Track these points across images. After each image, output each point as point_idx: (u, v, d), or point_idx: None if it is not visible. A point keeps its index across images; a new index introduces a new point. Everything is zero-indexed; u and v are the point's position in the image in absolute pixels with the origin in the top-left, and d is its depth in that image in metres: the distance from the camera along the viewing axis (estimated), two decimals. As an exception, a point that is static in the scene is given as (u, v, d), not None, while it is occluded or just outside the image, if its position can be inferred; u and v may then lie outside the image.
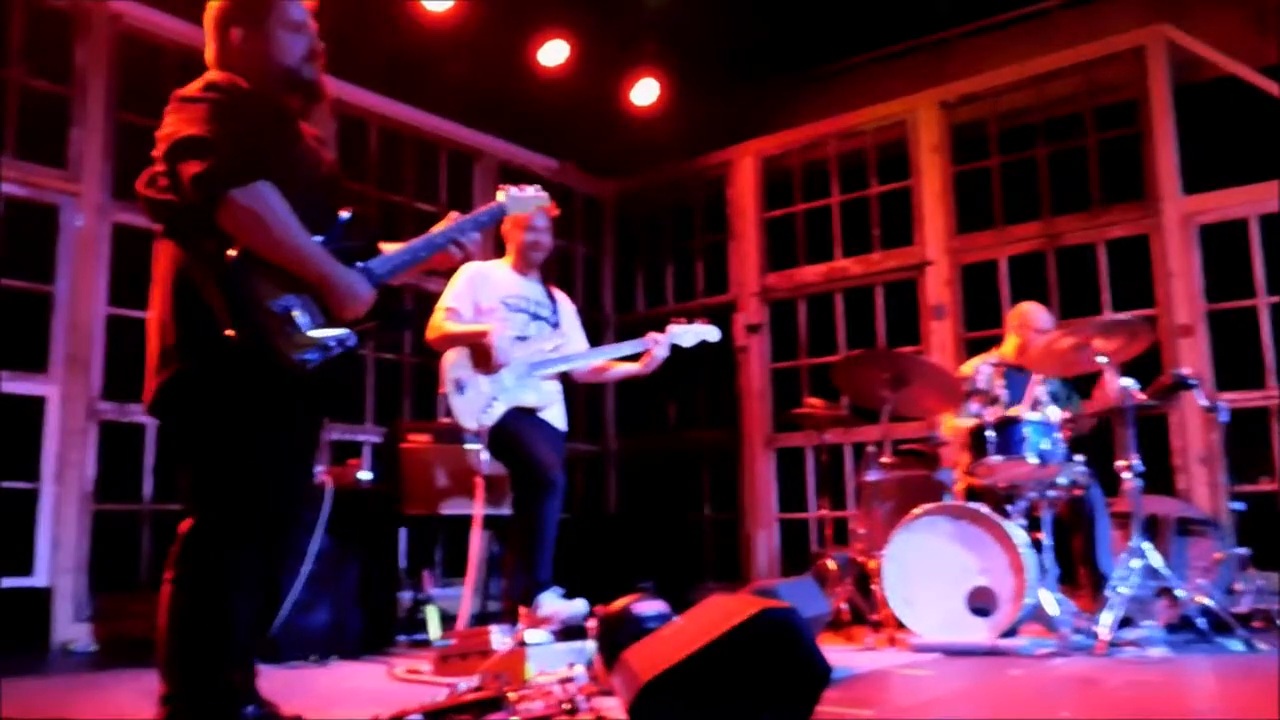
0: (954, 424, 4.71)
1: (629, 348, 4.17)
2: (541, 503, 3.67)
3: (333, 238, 2.32)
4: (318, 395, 2.39)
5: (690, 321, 4.25)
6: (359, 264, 2.37)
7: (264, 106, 2.34)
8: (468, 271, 4.00)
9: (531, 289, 4.14)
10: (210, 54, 2.41)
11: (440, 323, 3.92)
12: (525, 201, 3.08)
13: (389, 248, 2.54)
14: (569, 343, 4.14)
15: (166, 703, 2.20)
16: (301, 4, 2.44)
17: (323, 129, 5.78)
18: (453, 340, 3.86)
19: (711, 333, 4.28)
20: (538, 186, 3.14)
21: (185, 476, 2.32)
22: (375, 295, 2.35)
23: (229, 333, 2.11)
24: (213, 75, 2.33)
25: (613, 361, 4.23)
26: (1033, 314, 4.83)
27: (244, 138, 2.20)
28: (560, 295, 4.30)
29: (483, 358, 3.78)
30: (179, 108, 2.24)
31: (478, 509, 3.92)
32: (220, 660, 2.23)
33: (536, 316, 4.08)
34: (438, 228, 2.63)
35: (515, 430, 3.78)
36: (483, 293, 3.99)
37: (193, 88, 2.28)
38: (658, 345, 4.08)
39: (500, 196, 3.01)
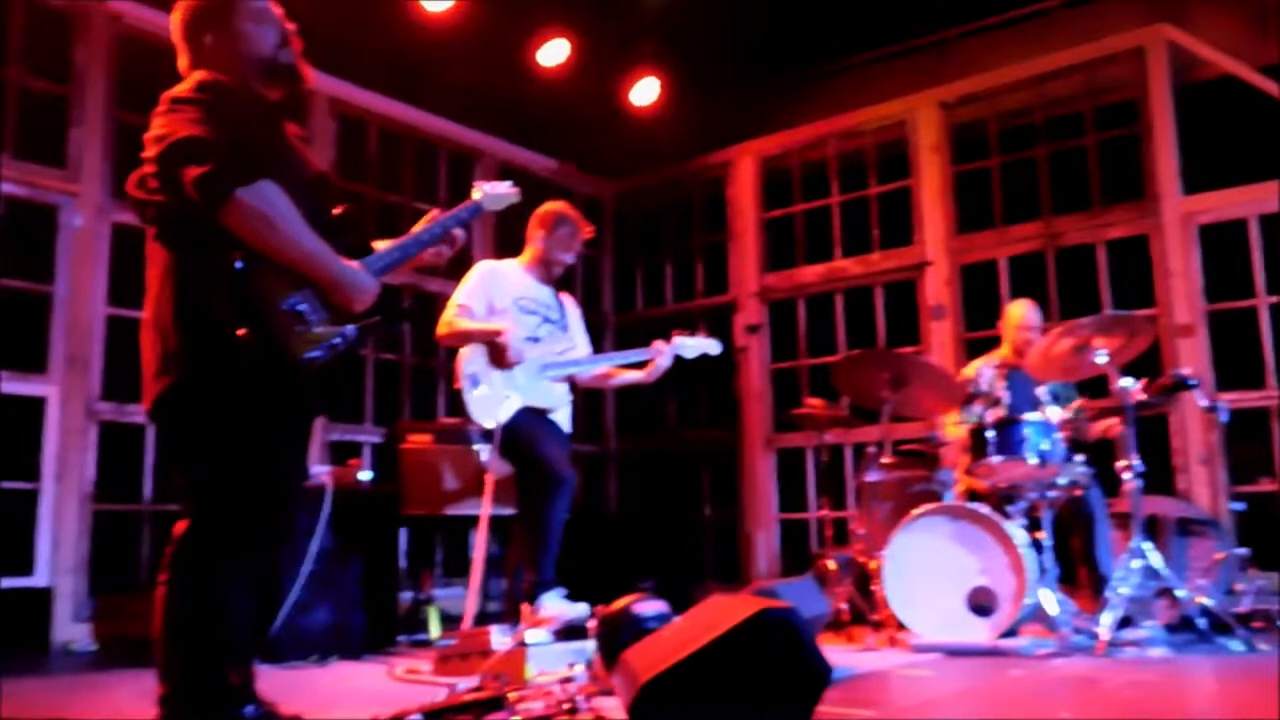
0: (956, 428, 4.70)
1: (635, 355, 4.23)
2: (551, 501, 3.69)
3: (329, 236, 2.32)
4: (314, 394, 2.39)
5: (694, 330, 4.34)
6: (354, 261, 2.38)
7: (252, 103, 2.36)
8: (481, 270, 4.04)
9: (542, 292, 4.16)
10: (184, 64, 2.42)
11: (452, 319, 3.92)
12: (501, 199, 3.12)
13: (378, 246, 2.54)
14: (575, 347, 4.17)
15: (164, 703, 2.21)
16: None
17: (321, 130, 5.84)
18: (466, 337, 3.88)
19: (713, 346, 4.35)
20: (510, 182, 3.18)
21: (182, 478, 2.32)
22: (379, 289, 2.38)
23: (241, 333, 2.11)
24: (201, 75, 2.30)
25: (617, 368, 4.26)
26: (1020, 314, 4.85)
27: (241, 137, 2.19)
28: (568, 300, 4.32)
29: (498, 355, 3.81)
30: (171, 109, 2.21)
31: (485, 508, 3.92)
32: (218, 660, 2.24)
33: (548, 320, 4.10)
34: (419, 226, 2.66)
35: (526, 429, 3.80)
36: (496, 292, 4.00)
37: (182, 89, 2.26)
38: (662, 355, 4.14)
39: (476, 194, 3.04)
